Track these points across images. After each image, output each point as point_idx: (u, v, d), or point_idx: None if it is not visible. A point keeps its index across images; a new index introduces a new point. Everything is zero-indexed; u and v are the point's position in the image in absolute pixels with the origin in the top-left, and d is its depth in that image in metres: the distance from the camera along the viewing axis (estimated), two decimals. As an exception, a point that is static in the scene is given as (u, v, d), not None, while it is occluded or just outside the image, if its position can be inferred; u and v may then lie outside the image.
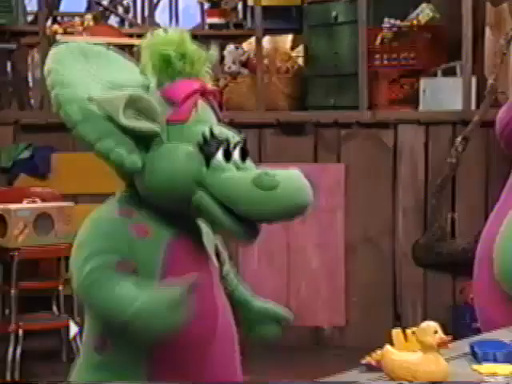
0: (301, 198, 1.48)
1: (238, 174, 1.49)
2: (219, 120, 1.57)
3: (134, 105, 1.47)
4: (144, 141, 1.50)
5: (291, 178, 1.49)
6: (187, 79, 1.52)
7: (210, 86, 1.56)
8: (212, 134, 1.50)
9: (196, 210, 1.50)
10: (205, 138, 1.49)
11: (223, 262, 1.68)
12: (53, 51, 1.55)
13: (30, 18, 5.66)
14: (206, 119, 1.53)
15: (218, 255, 1.66)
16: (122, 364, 1.47)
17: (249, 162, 1.55)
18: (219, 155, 1.49)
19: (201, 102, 1.53)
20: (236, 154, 1.52)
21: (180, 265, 1.52)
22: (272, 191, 1.45)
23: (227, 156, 1.51)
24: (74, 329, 3.50)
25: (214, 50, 1.60)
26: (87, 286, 1.44)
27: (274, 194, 1.45)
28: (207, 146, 1.48)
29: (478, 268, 2.30)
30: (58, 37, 4.59)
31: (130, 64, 1.64)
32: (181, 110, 1.50)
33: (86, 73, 1.54)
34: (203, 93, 1.53)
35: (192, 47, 1.54)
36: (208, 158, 1.48)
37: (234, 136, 1.54)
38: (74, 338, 3.77)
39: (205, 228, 1.61)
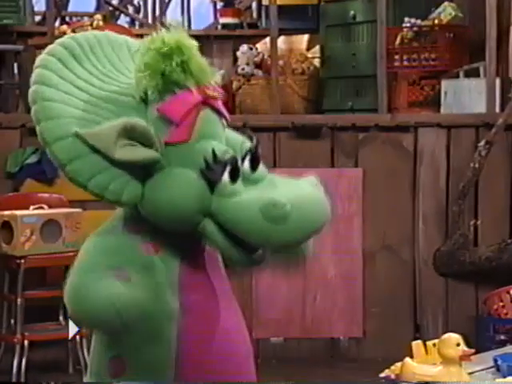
0: (314, 225, 1.39)
1: (245, 199, 1.37)
2: (227, 123, 1.45)
3: (128, 134, 1.36)
4: (142, 168, 1.39)
5: (303, 204, 1.38)
6: (186, 91, 1.39)
7: (212, 89, 1.42)
8: (215, 156, 1.38)
9: (198, 233, 1.42)
10: (207, 163, 1.37)
11: None
12: (40, 58, 1.45)
13: (37, 19, 5.59)
14: (209, 133, 1.40)
15: None
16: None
17: (260, 171, 1.44)
18: (225, 178, 1.38)
19: (203, 112, 1.40)
20: (246, 165, 1.42)
21: (196, 280, 1.45)
22: (281, 225, 1.35)
23: (234, 175, 1.40)
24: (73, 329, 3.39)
25: (220, 73, 1.47)
26: (74, 290, 1.35)
27: (283, 228, 1.35)
28: (210, 172, 1.37)
29: None
30: (67, 37, 4.50)
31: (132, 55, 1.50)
32: (180, 130, 1.38)
33: (72, 80, 1.41)
34: (205, 101, 1.41)
35: (191, 55, 1.39)
36: (213, 185, 1.38)
37: (242, 145, 1.43)
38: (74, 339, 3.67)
39: None
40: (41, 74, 1.41)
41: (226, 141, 1.42)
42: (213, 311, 1.43)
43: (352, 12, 4.67)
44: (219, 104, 1.43)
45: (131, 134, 1.35)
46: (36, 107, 1.39)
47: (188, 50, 1.38)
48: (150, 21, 6.57)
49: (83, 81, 1.42)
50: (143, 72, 1.38)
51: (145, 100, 1.40)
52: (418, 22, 4.48)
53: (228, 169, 1.37)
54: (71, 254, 3.74)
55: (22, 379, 3.67)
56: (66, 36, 1.48)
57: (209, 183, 1.37)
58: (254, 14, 5.61)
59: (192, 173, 1.36)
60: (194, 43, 1.40)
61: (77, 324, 1.38)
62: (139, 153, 1.36)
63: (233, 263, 1.44)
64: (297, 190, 1.40)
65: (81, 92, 1.40)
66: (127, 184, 1.37)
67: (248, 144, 1.42)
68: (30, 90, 1.39)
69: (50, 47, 1.45)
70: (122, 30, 5.07)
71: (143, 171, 1.38)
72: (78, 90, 1.40)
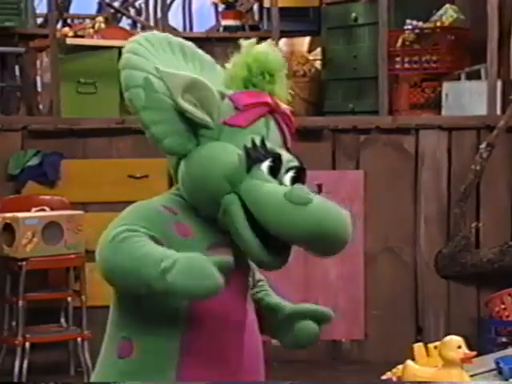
0: (335, 222, 1.40)
1: (274, 187, 1.43)
2: (286, 146, 1.52)
3: (195, 90, 1.45)
4: (196, 133, 1.47)
5: (328, 203, 1.42)
6: (261, 91, 1.49)
7: (283, 106, 1.52)
8: (263, 143, 1.46)
9: (222, 215, 1.44)
10: (254, 144, 1.45)
11: (253, 269, 1.61)
12: (132, 40, 1.53)
13: (39, 21, 5.59)
14: (266, 136, 1.48)
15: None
16: (148, 369, 1.43)
17: None
18: (264, 166, 1.45)
19: (267, 118, 1.49)
20: (287, 179, 1.47)
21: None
22: (303, 206, 1.38)
23: (273, 172, 1.46)
24: None
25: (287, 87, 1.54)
26: (112, 246, 1.37)
27: (304, 209, 1.38)
28: (254, 152, 1.44)
29: None
30: (69, 40, 4.50)
31: (214, 66, 1.61)
32: (242, 115, 1.47)
33: (165, 60, 1.51)
34: (273, 111, 1.49)
35: (276, 65, 1.51)
36: (252, 164, 1.44)
37: (289, 160, 1.49)
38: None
39: None
40: (129, 58, 1.49)
41: (281, 154, 1.48)
42: (226, 307, 1.44)
43: (353, 14, 4.66)
44: (284, 124, 1.51)
45: (198, 92, 1.44)
46: (125, 58, 1.48)
47: (277, 63, 1.51)
48: (151, 23, 6.57)
49: (176, 62, 1.52)
50: (232, 72, 1.49)
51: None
52: (420, 24, 4.47)
53: (269, 160, 1.44)
54: (73, 256, 3.74)
55: (24, 381, 3.67)
56: (145, 34, 1.56)
57: (248, 163, 1.43)
58: (256, 17, 5.61)
59: (237, 148, 1.44)
60: (283, 60, 1.52)
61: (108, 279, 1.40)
62: (197, 112, 1.44)
63: (249, 254, 1.45)
64: (325, 199, 1.44)
65: (173, 66, 1.49)
66: (173, 134, 1.45)
67: (295, 163, 1.49)
68: (122, 76, 1.47)
69: (134, 38, 1.53)
70: (123, 33, 5.08)
71: (197, 137, 1.45)
72: (171, 64, 1.50)
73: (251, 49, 1.51)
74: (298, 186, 1.42)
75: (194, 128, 1.46)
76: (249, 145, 1.43)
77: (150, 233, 1.39)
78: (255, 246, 1.42)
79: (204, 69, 1.56)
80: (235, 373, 1.48)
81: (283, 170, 1.46)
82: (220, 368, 1.46)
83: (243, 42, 1.52)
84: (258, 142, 1.44)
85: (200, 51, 1.60)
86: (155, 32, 1.58)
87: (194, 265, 1.33)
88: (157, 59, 1.49)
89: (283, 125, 1.50)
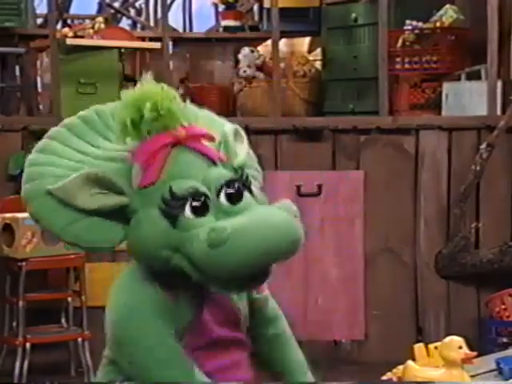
0: (259, 248, 1.33)
1: (198, 235, 1.37)
2: (214, 163, 1.43)
3: (94, 183, 1.39)
4: (121, 214, 1.42)
5: (249, 228, 1.35)
6: (155, 136, 1.41)
7: (187, 130, 1.42)
8: (172, 193, 1.38)
9: (179, 271, 1.41)
10: (164, 200, 1.39)
11: (263, 305, 1.59)
12: (45, 137, 1.48)
13: (39, 21, 5.59)
14: (180, 172, 1.41)
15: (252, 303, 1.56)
16: None
17: (245, 202, 1.41)
18: (186, 212, 1.38)
19: (175, 152, 1.40)
20: (223, 200, 1.40)
21: (205, 327, 1.45)
22: (219, 248, 1.33)
23: (201, 209, 1.39)
24: None
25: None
26: (156, 361, 1.39)
27: (221, 250, 1.33)
28: (168, 208, 1.38)
29: None
30: (68, 40, 4.50)
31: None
32: (148, 173, 1.40)
33: (68, 154, 1.46)
34: (178, 142, 1.41)
35: (158, 101, 1.39)
36: (174, 219, 1.38)
37: (217, 180, 1.41)
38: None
39: None
40: (43, 144, 1.46)
41: (207, 177, 1.41)
42: (215, 360, 1.44)
43: (353, 14, 4.66)
44: (198, 144, 1.42)
45: (97, 182, 1.39)
46: (28, 167, 1.44)
47: (155, 97, 1.39)
48: (151, 23, 6.57)
49: (81, 153, 1.47)
50: (120, 127, 1.42)
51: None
52: (420, 24, 4.47)
53: (189, 203, 1.38)
54: (72, 256, 3.74)
55: (24, 381, 3.66)
56: (69, 119, 1.51)
57: (171, 219, 1.38)
58: (256, 17, 5.61)
59: (155, 211, 1.39)
60: (167, 89, 1.41)
61: None
62: (105, 200, 1.40)
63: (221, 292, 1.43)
64: (253, 215, 1.37)
65: (76, 157, 1.46)
66: (101, 233, 1.41)
67: (226, 176, 1.41)
68: (31, 208, 1.42)
69: (52, 130, 1.49)
70: (123, 33, 5.08)
71: (122, 217, 1.41)
72: (74, 156, 1.46)
73: (122, 101, 1.41)
74: (212, 226, 1.35)
75: (117, 213, 1.40)
76: (159, 203, 1.37)
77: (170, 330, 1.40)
78: (214, 287, 1.39)
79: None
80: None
81: (213, 195, 1.38)
82: None
83: (122, 95, 1.42)
84: (166, 195, 1.37)
85: (106, 109, 1.51)
86: (53, 130, 1.49)
87: None
88: (63, 158, 1.42)
89: (197, 145, 1.41)
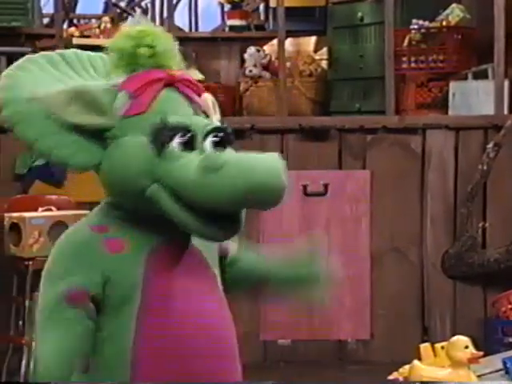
0: (251, 178, 1.32)
1: (187, 162, 1.37)
2: (202, 110, 1.44)
3: (80, 99, 1.39)
4: (99, 138, 1.41)
5: (242, 160, 1.34)
6: (148, 70, 1.42)
7: (180, 73, 1.44)
8: (164, 122, 1.39)
9: (150, 204, 1.39)
10: (154, 128, 1.39)
11: (229, 251, 1.55)
12: (22, 59, 1.48)
13: (45, 21, 5.59)
14: (169, 109, 1.41)
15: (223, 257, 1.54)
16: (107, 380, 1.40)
17: (227, 152, 1.41)
18: (174, 144, 1.38)
19: (166, 91, 1.42)
20: (207, 145, 1.40)
21: (164, 277, 1.42)
22: (217, 171, 1.33)
23: (188, 145, 1.39)
24: None
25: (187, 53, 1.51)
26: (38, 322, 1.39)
27: (219, 173, 1.33)
28: (158, 135, 1.38)
29: None
30: (75, 40, 4.51)
31: (104, 61, 1.55)
32: (137, 101, 1.40)
33: (45, 77, 1.46)
34: (170, 82, 1.42)
35: (157, 40, 1.42)
36: (160, 147, 1.38)
37: (206, 125, 1.42)
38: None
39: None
40: (16, 64, 1.46)
41: (194, 120, 1.42)
42: (179, 311, 1.40)
43: (359, 14, 4.65)
44: (188, 90, 1.43)
45: (84, 98, 1.38)
46: (1, 80, 1.43)
47: (154, 35, 1.42)
48: (157, 23, 6.57)
49: (60, 76, 1.47)
50: (113, 56, 1.43)
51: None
52: (426, 23, 4.46)
53: (178, 136, 1.38)
54: (79, 255, 3.74)
55: (30, 381, 3.67)
56: (17, 63, 1.50)
57: (157, 148, 1.37)
58: (262, 16, 5.60)
59: (142, 138, 1.38)
60: (165, 33, 1.44)
61: None
62: (89, 118, 1.39)
63: (193, 233, 1.40)
64: (245, 154, 1.37)
65: (56, 81, 1.45)
66: (78, 151, 1.40)
67: (213, 125, 1.42)
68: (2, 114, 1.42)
69: (4, 72, 1.48)
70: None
71: (102, 141, 1.40)
72: (53, 79, 1.46)
73: (122, 32, 1.44)
74: (209, 152, 1.37)
75: (96, 135, 1.40)
76: (150, 129, 1.37)
77: (68, 286, 1.37)
78: (189, 221, 1.35)
79: (97, 69, 1.52)
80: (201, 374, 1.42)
81: (199, 137, 1.39)
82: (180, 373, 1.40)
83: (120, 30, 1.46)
84: (158, 123, 1.38)
85: (85, 54, 1.54)
86: (29, 56, 1.50)
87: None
88: (33, 85, 1.42)
89: (188, 91, 1.43)
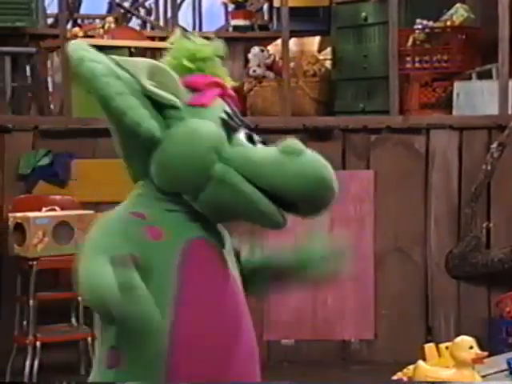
0: (325, 172, 1.43)
1: (261, 148, 1.46)
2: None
3: (157, 75, 1.46)
4: (164, 117, 1.46)
5: (317, 155, 1.46)
6: (207, 75, 1.52)
7: (229, 87, 1.54)
8: (235, 113, 1.49)
9: (217, 187, 1.43)
10: (228, 114, 1.47)
11: (241, 252, 1.60)
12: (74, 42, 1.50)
13: (50, 21, 5.60)
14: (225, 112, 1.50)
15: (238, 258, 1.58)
16: (136, 379, 1.41)
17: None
18: (241, 134, 1.47)
19: (222, 102, 1.51)
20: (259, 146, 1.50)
21: (198, 271, 1.45)
22: (296, 157, 1.41)
23: (250, 139, 1.48)
24: None
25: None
26: (84, 277, 1.36)
27: (297, 159, 1.42)
28: (231, 121, 1.47)
29: None
30: (79, 40, 4.51)
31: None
32: (204, 95, 1.48)
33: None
34: (223, 94, 1.51)
35: (205, 50, 1.52)
36: (231, 133, 1.45)
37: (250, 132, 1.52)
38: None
39: (226, 234, 1.53)
40: (83, 55, 1.46)
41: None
42: (212, 304, 1.43)
43: (363, 13, 4.65)
44: (233, 103, 1.52)
45: (159, 77, 1.45)
46: (97, 82, 1.44)
47: (211, 49, 1.51)
48: (161, 23, 6.58)
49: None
50: (176, 62, 1.50)
51: None
52: (430, 23, 4.46)
53: (244, 130, 1.46)
54: (83, 255, 3.74)
55: (34, 380, 3.67)
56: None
57: (228, 133, 1.44)
58: (266, 16, 5.60)
59: (212, 123, 1.45)
60: (215, 48, 1.53)
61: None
62: (164, 93, 1.45)
63: (258, 218, 1.45)
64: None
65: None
66: (150, 117, 1.43)
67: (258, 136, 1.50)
68: (83, 69, 1.43)
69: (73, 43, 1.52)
70: (133, 33, 5.09)
71: (166, 120, 1.45)
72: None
73: (178, 43, 1.52)
74: (289, 139, 1.44)
75: (162, 111, 1.45)
76: (223, 115, 1.45)
77: (125, 252, 1.36)
78: (268, 205, 1.42)
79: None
80: (228, 378, 1.44)
81: (255, 138, 1.48)
82: (211, 374, 1.42)
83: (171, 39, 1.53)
84: (230, 112, 1.47)
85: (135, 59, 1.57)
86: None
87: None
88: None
89: (233, 106, 1.52)
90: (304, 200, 1.43)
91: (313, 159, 1.42)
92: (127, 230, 1.41)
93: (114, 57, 1.45)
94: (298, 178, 1.40)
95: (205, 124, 1.43)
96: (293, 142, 1.43)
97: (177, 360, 1.40)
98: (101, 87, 1.40)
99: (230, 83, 1.53)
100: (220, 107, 1.47)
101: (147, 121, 1.41)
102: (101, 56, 1.44)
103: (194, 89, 1.47)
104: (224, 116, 1.45)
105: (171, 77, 1.45)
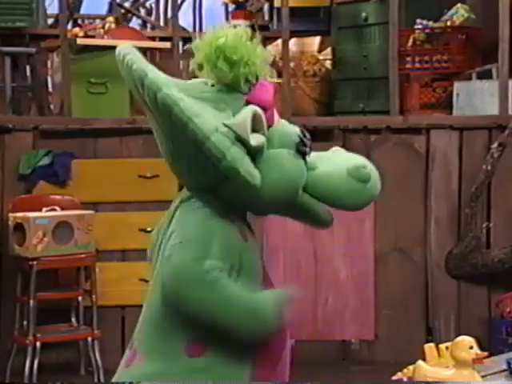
0: (378, 190, 1.61)
1: (330, 168, 1.55)
2: None
3: (257, 123, 1.51)
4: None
5: (375, 170, 1.60)
6: (264, 82, 1.55)
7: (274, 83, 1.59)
8: (304, 135, 1.57)
9: (297, 211, 1.56)
10: (301, 139, 1.55)
11: None
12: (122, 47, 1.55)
13: (50, 21, 5.60)
14: (285, 122, 1.60)
15: None
16: (225, 366, 1.50)
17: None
18: (309, 155, 1.58)
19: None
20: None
21: (267, 269, 1.61)
22: (365, 184, 1.55)
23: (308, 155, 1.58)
24: None
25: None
26: (206, 283, 1.44)
27: (366, 187, 1.56)
28: (303, 147, 1.54)
29: None
30: (79, 40, 4.51)
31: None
32: (269, 114, 1.53)
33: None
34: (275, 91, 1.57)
35: (254, 50, 1.55)
36: (304, 158, 1.55)
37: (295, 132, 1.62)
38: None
39: None
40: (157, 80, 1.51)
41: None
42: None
43: (364, 14, 4.65)
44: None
45: (256, 120, 1.50)
46: (176, 108, 1.46)
47: (251, 48, 1.52)
48: (161, 23, 6.58)
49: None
50: (208, 64, 1.51)
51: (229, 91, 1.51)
52: (430, 23, 4.46)
53: (308, 145, 1.56)
54: (83, 255, 3.75)
55: (34, 380, 3.67)
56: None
57: (303, 159, 1.54)
58: (266, 17, 5.60)
59: (288, 151, 1.51)
60: (263, 49, 1.56)
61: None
62: (259, 139, 1.49)
63: (310, 219, 1.57)
64: (368, 162, 1.61)
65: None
66: (251, 165, 1.50)
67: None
68: (159, 95, 1.45)
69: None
70: (133, 33, 5.09)
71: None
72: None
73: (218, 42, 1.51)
74: (356, 163, 1.56)
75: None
76: (296, 140, 1.51)
77: (226, 266, 1.45)
78: (328, 213, 1.57)
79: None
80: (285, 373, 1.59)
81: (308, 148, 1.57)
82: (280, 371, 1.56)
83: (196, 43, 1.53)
84: (301, 134, 1.54)
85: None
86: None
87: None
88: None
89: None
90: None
91: (374, 185, 1.55)
92: (228, 236, 1.49)
93: (223, 125, 1.43)
94: (361, 202, 1.55)
95: (288, 160, 1.49)
96: (364, 168, 1.53)
97: (262, 351, 1.52)
98: (212, 146, 1.44)
99: (276, 81, 1.58)
100: (281, 122, 1.51)
101: (254, 172, 1.47)
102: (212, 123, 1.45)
103: (261, 107, 1.49)
104: (297, 141, 1.51)
105: (260, 115, 1.48)
